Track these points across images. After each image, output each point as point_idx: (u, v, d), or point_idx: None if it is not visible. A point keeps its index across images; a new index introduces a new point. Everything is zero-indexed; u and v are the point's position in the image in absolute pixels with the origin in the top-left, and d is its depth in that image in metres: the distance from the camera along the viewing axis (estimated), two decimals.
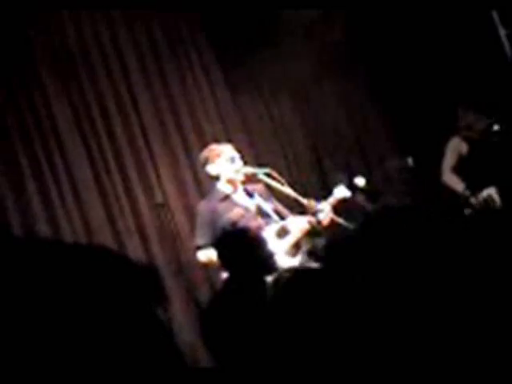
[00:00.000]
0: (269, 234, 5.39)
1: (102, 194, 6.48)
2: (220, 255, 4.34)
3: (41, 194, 6.21)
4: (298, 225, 5.48)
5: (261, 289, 4.15)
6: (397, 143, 7.79)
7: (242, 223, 5.38)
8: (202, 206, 5.58)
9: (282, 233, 5.45)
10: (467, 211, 6.63)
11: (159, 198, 6.53)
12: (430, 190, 7.00)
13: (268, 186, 5.62)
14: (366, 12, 7.65)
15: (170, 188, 6.78)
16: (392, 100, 7.78)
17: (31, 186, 6.18)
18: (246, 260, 4.16)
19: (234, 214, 5.44)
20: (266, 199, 5.60)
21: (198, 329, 5.39)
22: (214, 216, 5.43)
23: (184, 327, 6.21)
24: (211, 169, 5.56)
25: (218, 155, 5.56)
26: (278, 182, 5.55)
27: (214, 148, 5.67)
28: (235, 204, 5.52)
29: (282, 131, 7.61)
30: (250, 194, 5.60)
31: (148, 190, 6.67)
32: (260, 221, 5.48)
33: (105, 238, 6.31)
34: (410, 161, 7.13)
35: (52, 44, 6.41)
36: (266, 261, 4.30)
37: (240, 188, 5.59)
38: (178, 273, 6.33)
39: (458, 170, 6.77)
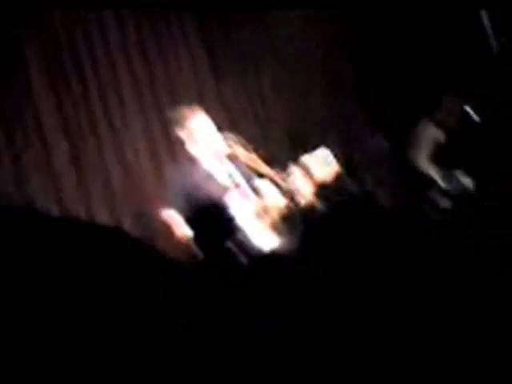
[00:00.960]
0: (246, 212, 5.34)
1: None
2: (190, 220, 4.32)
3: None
4: (277, 198, 5.46)
5: (220, 253, 4.18)
6: (378, 127, 7.79)
7: (209, 188, 5.31)
8: (173, 168, 5.52)
9: (260, 211, 5.41)
10: (442, 200, 6.65)
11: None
12: (407, 174, 7.01)
13: (238, 157, 5.55)
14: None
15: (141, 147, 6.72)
16: (378, 85, 7.78)
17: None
18: (208, 224, 4.17)
19: (202, 178, 5.38)
20: (242, 172, 5.55)
21: None
22: (184, 178, 5.32)
23: None
24: (180, 132, 5.48)
25: (187, 119, 5.49)
26: (247, 149, 5.48)
27: (186, 109, 5.59)
28: (208, 173, 5.43)
29: (260, 108, 7.55)
30: (220, 160, 5.53)
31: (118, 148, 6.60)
32: (227, 187, 5.44)
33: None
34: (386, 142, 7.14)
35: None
36: (226, 226, 4.30)
37: (212, 157, 5.53)
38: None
39: (434, 157, 6.78)
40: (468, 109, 6.70)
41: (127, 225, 6.41)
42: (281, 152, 7.39)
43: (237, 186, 5.43)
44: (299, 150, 7.51)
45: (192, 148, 5.46)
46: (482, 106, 6.88)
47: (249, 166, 5.53)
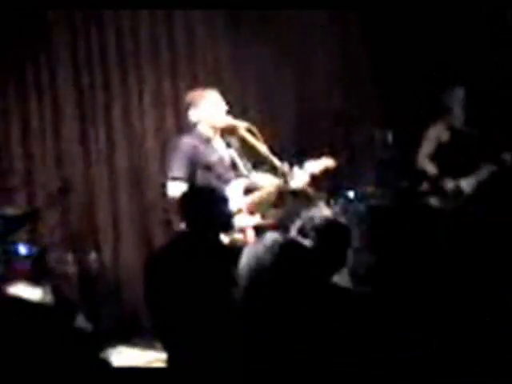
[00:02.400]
0: (236, 188, 5.42)
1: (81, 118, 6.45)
2: (183, 207, 4.36)
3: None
4: (269, 182, 5.51)
5: (214, 246, 4.21)
6: (381, 118, 7.77)
7: (218, 171, 5.41)
8: (184, 141, 5.46)
9: (249, 190, 5.47)
10: (436, 200, 6.68)
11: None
12: (406, 168, 7.03)
13: (245, 141, 5.59)
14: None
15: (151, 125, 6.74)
16: (387, 77, 7.74)
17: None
18: (206, 217, 4.20)
19: (211, 159, 5.44)
20: (239, 153, 5.60)
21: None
22: (195, 154, 5.37)
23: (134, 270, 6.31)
24: (193, 113, 5.51)
25: (203, 98, 5.51)
26: (257, 139, 5.52)
27: (198, 92, 5.62)
28: (214, 149, 5.50)
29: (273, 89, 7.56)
30: (228, 144, 5.60)
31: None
32: (230, 172, 5.50)
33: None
34: (389, 136, 7.13)
35: None
36: (224, 220, 4.35)
37: (218, 136, 5.57)
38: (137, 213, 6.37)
39: (436, 156, 6.80)
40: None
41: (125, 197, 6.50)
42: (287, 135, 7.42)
43: (238, 173, 5.52)
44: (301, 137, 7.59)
45: (202, 127, 5.50)
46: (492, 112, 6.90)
47: (252, 148, 5.58)
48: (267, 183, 5.51)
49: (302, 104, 7.59)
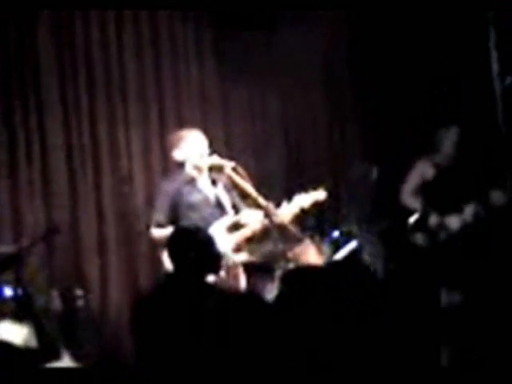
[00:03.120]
0: (220, 226, 5.44)
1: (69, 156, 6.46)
2: (170, 249, 4.37)
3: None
4: (253, 220, 5.53)
5: (201, 288, 4.21)
6: (367, 152, 7.79)
7: (202, 211, 5.47)
8: (167, 185, 5.61)
9: (234, 227, 5.49)
10: (421, 237, 6.69)
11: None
12: (390, 203, 7.04)
13: (231, 181, 5.62)
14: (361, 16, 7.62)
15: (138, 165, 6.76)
16: (373, 111, 7.77)
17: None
18: (194, 259, 4.21)
19: (195, 199, 5.49)
20: (228, 191, 5.63)
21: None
22: (177, 196, 5.48)
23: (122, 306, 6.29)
24: (177, 154, 5.56)
25: (185, 140, 5.56)
26: (243, 178, 5.55)
27: (181, 133, 5.66)
28: (198, 189, 5.54)
29: (259, 121, 7.59)
30: (214, 183, 5.63)
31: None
32: (215, 210, 5.54)
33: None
34: (374, 171, 7.15)
35: None
36: (213, 261, 4.37)
37: (205, 174, 5.60)
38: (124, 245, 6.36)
39: (420, 192, 6.81)
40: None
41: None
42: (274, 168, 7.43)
43: (223, 212, 5.54)
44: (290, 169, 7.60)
45: (187, 168, 5.54)
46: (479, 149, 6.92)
47: (238, 187, 5.61)
48: (253, 220, 5.53)
49: (289, 140, 7.63)
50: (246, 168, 5.58)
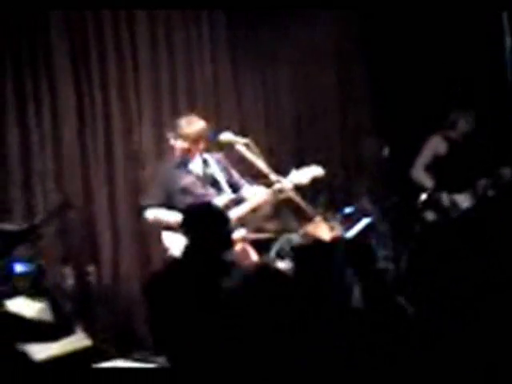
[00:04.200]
0: (216, 204, 5.43)
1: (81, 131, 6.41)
2: (188, 226, 4.35)
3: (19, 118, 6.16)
4: (256, 194, 5.53)
5: (218, 265, 4.21)
6: (379, 130, 7.76)
7: (195, 192, 5.48)
8: (161, 168, 5.70)
9: (230, 205, 5.47)
10: (431, 214, 6.67)
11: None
12: (401, 183, 7.02)
13: (243, 157, 5.60)
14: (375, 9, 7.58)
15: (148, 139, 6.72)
16: (385, 91, 7.74)
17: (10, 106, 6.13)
18: (212, 235, 4.20)
19: (186, 182, 5.50)
20: (222, 169, 5.63)
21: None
22: (170, 179, 5.53)
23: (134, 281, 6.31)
24: (176, 142, 5.56)
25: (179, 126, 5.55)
26: (255, 154, 5.53)
27: (186, 123, 5.60)
28: (189, 172, 5.56)
29: (272, 101, 7.56)
30: (206, 163, 5.62)
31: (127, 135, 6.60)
32: (209, 190, 5.54)
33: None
34: (386, 150, 7.12)
35: None
36: (227, 237, 4.35)
37: (198, 156, 5.60)
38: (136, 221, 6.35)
39: (432, 169, 6.78)
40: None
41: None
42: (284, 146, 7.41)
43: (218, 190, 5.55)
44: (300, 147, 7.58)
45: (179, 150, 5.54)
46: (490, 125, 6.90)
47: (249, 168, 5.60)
48: (254, 196, 5.52)
49: (300, 117, 7.60)
50: (257, 145, 5.57)
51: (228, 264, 4.30)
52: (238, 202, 5.51)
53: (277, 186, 5.45)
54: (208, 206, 4.70)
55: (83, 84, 6.39)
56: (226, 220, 4.41)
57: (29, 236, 5.34)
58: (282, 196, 5.51)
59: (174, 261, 4.44)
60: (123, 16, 6.57)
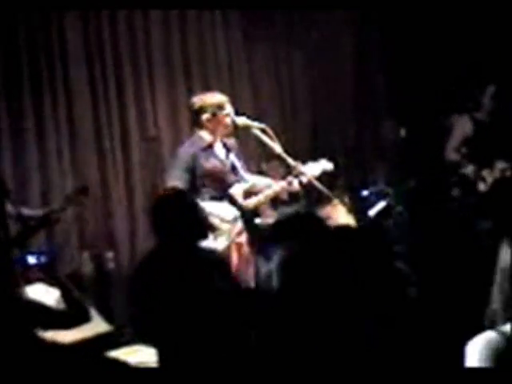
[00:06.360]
0: (237, 192, 5.36)
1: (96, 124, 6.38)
2: (154, 220, 4.07)
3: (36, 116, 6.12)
4: (270, 185, 5.47)
5: (192, 254, 4.01)
6: (395, 113, 7.69)
7: (217, 176, 5.35)
8: (183, 150, 5.43)
9: (250, 192, 5.40)
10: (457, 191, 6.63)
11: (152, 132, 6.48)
12: (419, 163, 6.96)
13: (260, 142, 5.52)
14: None
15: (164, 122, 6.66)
16: (402, 74, 7.66)
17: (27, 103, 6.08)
18: (179, 225, 3.96)
19: (211, 165, 5.38)
20: (238, 156, 5.56)
21: None
22: (193, 162, 5.33)
23: None
24: (202, 117, 5.44)
25: (210, 104, 5.45)
26: (271, 139, 5.45)
27: (206, 97, 5.53)
28: (215, 155, 5.43)
29: (286, 89, 7.49)
30: (227, 149, 5.54)
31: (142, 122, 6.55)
32: (232, 177, 5.43)
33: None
34: (403, 131, 7.06)
35: None
36: (198, 226, 4.10)
37: (219, 140, 5.52)
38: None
39: (461, 148, 6.76)
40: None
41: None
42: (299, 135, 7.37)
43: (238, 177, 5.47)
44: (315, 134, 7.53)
45: (203, 132, 5.44)
46: None
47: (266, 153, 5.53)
48: (267, 187, 5.46)
49: (315, 103, 7.53)
50: (273, 129, 5.49)
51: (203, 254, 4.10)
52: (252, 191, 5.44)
53: (296, 171, 5.37)
54: (177, 195, 4.33)
55: (96, 67, 6.37)
56: (195, 208, 4.15)
57: (46, 222, 5.29)
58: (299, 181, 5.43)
59: (151, 253, 4.21)
60: None
